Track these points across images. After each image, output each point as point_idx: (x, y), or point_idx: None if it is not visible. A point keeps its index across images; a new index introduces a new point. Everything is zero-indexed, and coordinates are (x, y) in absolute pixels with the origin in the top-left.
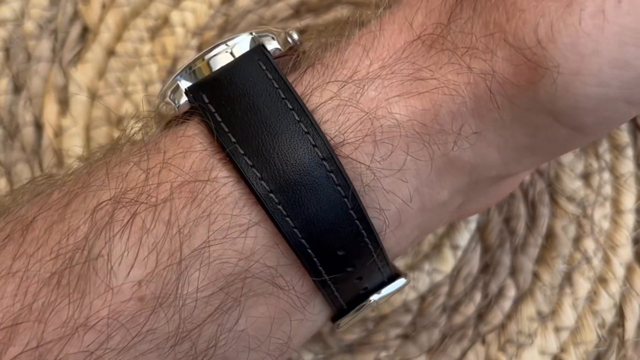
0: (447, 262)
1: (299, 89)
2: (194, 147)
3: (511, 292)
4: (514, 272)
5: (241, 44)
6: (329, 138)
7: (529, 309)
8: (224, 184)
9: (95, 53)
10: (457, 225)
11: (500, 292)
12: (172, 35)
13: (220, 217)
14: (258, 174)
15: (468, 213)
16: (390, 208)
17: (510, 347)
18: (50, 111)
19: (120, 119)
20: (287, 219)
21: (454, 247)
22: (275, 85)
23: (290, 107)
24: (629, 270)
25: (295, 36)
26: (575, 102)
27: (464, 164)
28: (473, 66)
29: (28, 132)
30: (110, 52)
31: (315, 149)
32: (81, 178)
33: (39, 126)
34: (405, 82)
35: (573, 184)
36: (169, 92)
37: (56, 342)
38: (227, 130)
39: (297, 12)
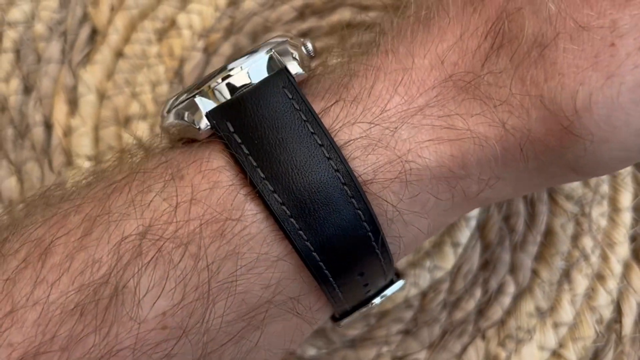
0: (448, 259)
1: (326, 122)
2: (221, 181)
3: (511, 289)
4: (513, 269)
5: (259, 63)
6: (357, 175)
7: (528, 305)
8: (252, 222)
9: (104, 54)
10: (457, 223)
11: (500, 289)
12: (179, 37)
13: (248, 253)
14: (288, 212)
15: None
16: (406, 236)
17: (510, 343)
18: (60, 111)
19: (129, 119)
20: (314, 254)
21: (455, 245)
22: (303, 117)
23: (320, 143)
24: (627, 267)
25: (311, 46)
26: (597, 163)
27: (479, 199)
28: (506, 122)
29: (38, 132)
30: (119, 54)
31: (345, 187)
32: (98, 198)
33: (48, 126)
34: (436, 127)
35: (571, 183)
36: (186, 113)
37: None
38: (255, 164)
39: (301, 15)
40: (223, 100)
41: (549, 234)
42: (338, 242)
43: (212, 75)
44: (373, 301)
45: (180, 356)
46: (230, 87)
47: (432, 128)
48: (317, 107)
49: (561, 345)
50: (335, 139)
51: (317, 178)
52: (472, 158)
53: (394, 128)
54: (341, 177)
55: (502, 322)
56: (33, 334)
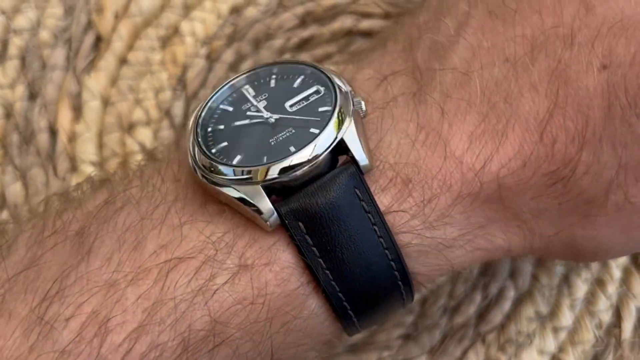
0: None
1: (388, 221)
2: (291, 280)
3: (511, 293)
4: (513, 273)
5: (325, 141)
6: (412, 275)
7: (528, 310)
8: (316, 316)
9: (108, 61)
10: None
11: (500, 293)
12: (182, 44)
13: (309, 341)
14: (348, 307)
15: None
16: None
17: (510, 347)
18: (65, 117)
19: (133, 125)
20: (357, 328)
21: None
22: (372, 220)
23: (385, 246)
24: (626, 272)
25: (364, 107)
26: None
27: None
28: (534, 246)
29: (43, 138)
30: (123, 61)
31: (400, 282)
32: (154, 276)
33: (53, 132)
34: (480, 240)
35: None
36: (252, 199)
37: None
38: (324, 266)
39: (303, 22)
40: (284, 180)
41: None
42: (381, 317)
43: (271, 161)
44: None
45: None
46: (296, 174)
47: (476, 241)
48: (382, 204)
49: (561, 349)
50: (397, 242)
51: (378, 278)
52: (497, 256)
53: (448, 243)
54: (398, 276)
55: (502, 327)
56: None
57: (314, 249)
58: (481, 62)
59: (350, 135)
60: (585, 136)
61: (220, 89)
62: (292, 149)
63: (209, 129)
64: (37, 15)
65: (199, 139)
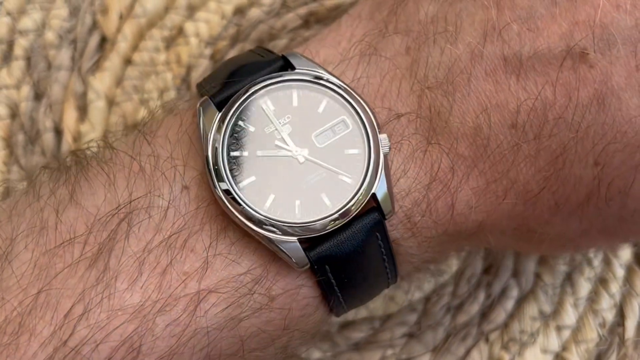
0: (451, 264)
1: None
2: (309, 305)
3: (514, 292)
4: (516, 273)
5: (361, 196)
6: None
7: (531, 309)
8: (316, 317)
9: (112, 62)
10: None
11: (503, 292)
12: (187, 44)
13: (300, 331)
14: (344, 305)
15: None
16: None
17: (513, 346)
18: (70, 117)
19: (137, 125)
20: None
21: None
22: (384, 253)
23: (388, 277)
24: (629, 271)
25: (388, 149)
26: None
27: None
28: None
29: (48, 137)
30: (127, 61)
31: (389, 279)
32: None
33: (58, 131)
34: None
35: None
36: (285, 247)
37: None
38: (341, 300)
39: (306, 22)
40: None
41: None
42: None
43: (307, 222)
44: None
45: None
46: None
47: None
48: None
49: (564, 348)
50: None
51: (377, 284)
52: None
53: (424, 253)
54: (390, 276)
55: (505, 326)
56: None
57: (336, 288)
58: (490, 122)
59: (381, 188)
60: (561, 209)
61: (240, 103)
62: (326, 200)
63: (232, 154)
64: (43, 17)
65: (227, 170)
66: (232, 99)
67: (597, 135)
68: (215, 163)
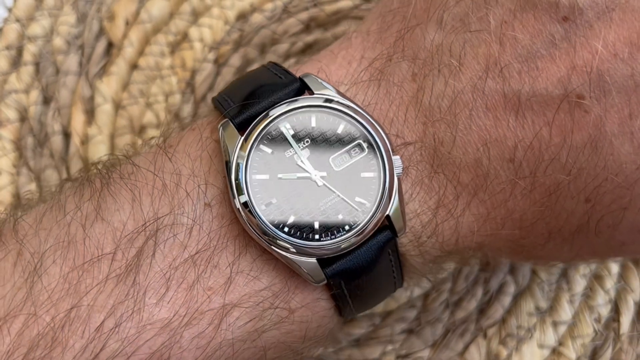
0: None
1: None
2: (325, 316)
3: (511, 289)
4: (513, 269)
5: (374, 218)
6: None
7: (528, 305)
8: (328, 323)
9: (119, 66)
10: None
11: (501, 289)
12: (191, 49)
13: (312, 337)
14: (354, 311)
15: None
16: None
17: (511, 341)
18: (77, 120)
19: (143, 128)
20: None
21: None
22: (394, 276)
23: (395, 273)
24: (624, 267)
25: (401, 170)
26: None
27: None
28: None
29: (56, 140)
30: (134, 66)
31: (395, 285)
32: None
33: (66, 135)
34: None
35: None
36: (304, 266)
37: None
38: (353, 309)
39: (307, 27)
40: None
41: None
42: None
43: (325, 241)
44: None
45: None
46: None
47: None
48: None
49: (561, 343)
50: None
51: (384, 290)
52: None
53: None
54: (396, 281)
55: (503, 321)
56: None
57: (349, 299)
58: (489, 155)
59: (395, 210)
60: (554, 237)
61: (262, 126)
62: (343, 221)
63: (254, 177)
64: (51, 23)
65: (250, 192)
66: (254, 124)
67: (589, 176)
68: (237, 178)
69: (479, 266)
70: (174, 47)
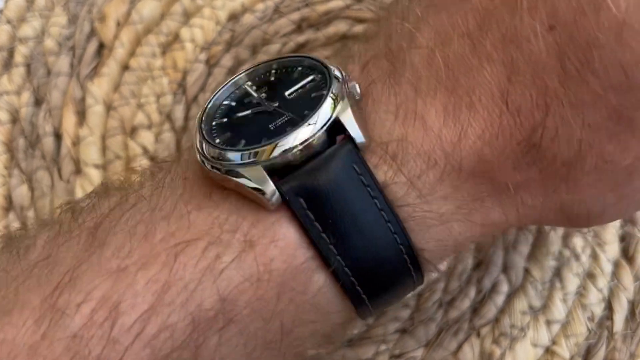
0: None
1: (388, 197)
2: (296, 256)
3: (504, 288)
4: (506, 268)
5: (321, 120)
6: (417, 249)
7: (521, 304)
8: (324, 293)
9: (110, 68)
10: None
11: (494, 288)
12: (182, 50)
13: (317, 322)
14: (359, 289)
15: None
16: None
17: (504, 340)
18: (69, 122)
19: (135, 129)
20: (370, 309)
21: None
22: (371, 194)
23: (386, 219)
24: (616, 266)
25: (359, 90)
26: None
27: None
28: (529, 217)
29: (48, 142)
30: (125, 67)
31: (405, 256)
32: (163, 260)
33: (58, 136)
34: (474, 213)
35: None
36: (251, 178)
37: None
38: (328, 242)
39: (298, 27)
40: (287, 161)
41: (540, 234)
42: (391, 295)
43: (271, 140)
44: None
45: None
46: (301, 153)
47: (470, 213)
48: (379, 179)
49: (554, 342)
50: (398, 215)
51: (384, 252)
52: (496, 232)
53: (444, 213)
54: (403, 249)
55: (496, 320)
56: None
57: (317, 224)
58: (442, 39)
59: (346, 115)
60: (547, 101)
61: (223, 87)
62: (288, 130)
63: (213, 123)
64: (42, 24)
65: (204, 134)
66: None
67: None
68: (200, 132)
69: (472, 265)
70: (165, 48)
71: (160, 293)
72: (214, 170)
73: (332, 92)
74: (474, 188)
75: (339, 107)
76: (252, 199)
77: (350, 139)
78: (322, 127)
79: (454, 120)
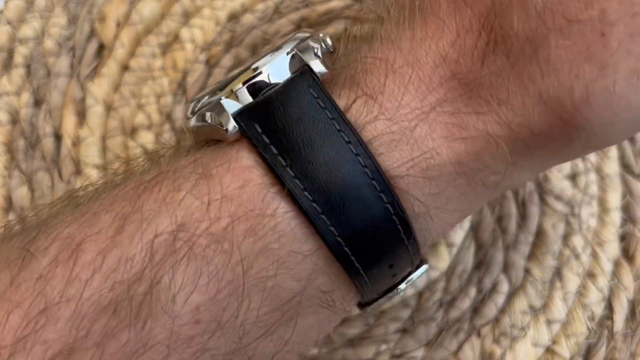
0: (443, 260)
1: (350, 119)
2: (252, 180)
3: (504, 288)
4: (506, 268)
5: (281, 63)
6: (384, 170)
7: (521, 303)
8: (284, 219)
9: (110, 68)
10: None
11: (494, 288)
12: (182, 50)
13: (280, 249)
14: (318, 209)
15: None
16: (433, 228)
17: (504, 340)
18: (69, 122)
19: (135, 129)
20: (346, 249)
21: (449, 245)
22: (329, 115)
23: (347, 140)
24: (617, 265)
25: (330, 42)
26: (606, 142)
27: (499, 187)
28: (511, 122)
29: (48, 143)
30: (125, 67)
31: (373, 181)
32: (129, 197)
33: (58, 137)
34: (449, 125)
35: (561, 184)
36: (212, 115)
37: None
38: (284, 164)
39: (298, 27)
40: (248, 101)
41: (540, 234)
42: (369, 236)
43: (235, 77)
44: (399, 287)
45: (215, 350)
46: (255, 87)
47: (445, 126)
48: (340, 104)
49: (554, 341)
50: (360, 136)
51: (346, 175)
52: (485, 153)
53: (412, 126)
54: (369, 173)
55: (496, 320)
56: (67, 330)
57: (272, 147)
58: None
59: (304, 48)
60: None
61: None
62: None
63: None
64: (42, 25)
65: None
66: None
67: None
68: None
69: (472, 265)
70: (165, 48)
71: (120, 227)
72: (185, 121)
73: (292, 37)
74: (445, 96)
75: (298, 37)
76: (218, 139)
77: (308, 68)
78: (271, 55)
79: (410, 28)
